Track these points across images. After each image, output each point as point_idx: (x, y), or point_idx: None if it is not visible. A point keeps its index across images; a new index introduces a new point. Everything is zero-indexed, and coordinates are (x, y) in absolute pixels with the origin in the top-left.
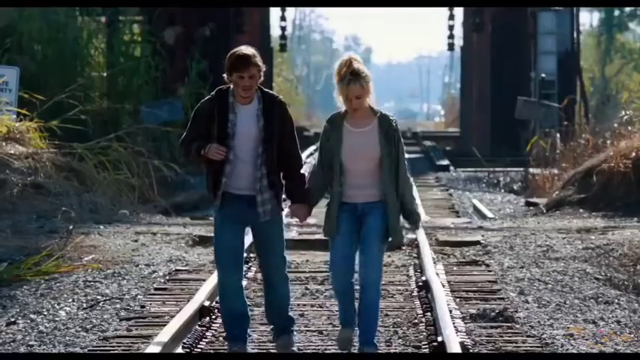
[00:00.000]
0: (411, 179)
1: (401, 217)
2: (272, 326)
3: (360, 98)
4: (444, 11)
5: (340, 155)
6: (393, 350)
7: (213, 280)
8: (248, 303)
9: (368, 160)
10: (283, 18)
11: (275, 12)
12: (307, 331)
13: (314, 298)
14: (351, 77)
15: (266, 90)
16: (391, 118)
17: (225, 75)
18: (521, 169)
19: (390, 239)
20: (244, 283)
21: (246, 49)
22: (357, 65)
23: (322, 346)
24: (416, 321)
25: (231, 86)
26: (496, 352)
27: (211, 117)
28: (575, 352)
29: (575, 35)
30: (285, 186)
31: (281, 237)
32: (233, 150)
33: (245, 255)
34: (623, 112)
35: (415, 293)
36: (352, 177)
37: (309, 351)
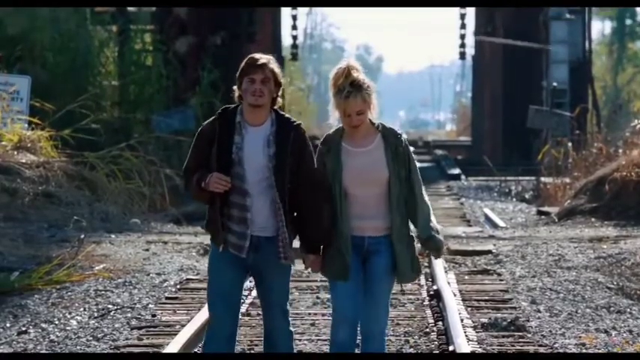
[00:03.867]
0: (429, 203)
1: (419, 246)
2: None
3: (362, 114)
4: (455, 20)
5: (342, 180)
6: None
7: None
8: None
9: (374, 185)
10: (295, 27)
11: (286, 21)
12: (318, 340)
13: (325, 307)
14: (351, 89)
15: (282, 112)
16: (398, 132)
17: (235, 90)
18: (533, 178)
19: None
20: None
21: (261, 54)
22: (356, 75)
23: None
24: (427, 330)
25: (241, 105)
26: (496, 353)
27: (213, 140)
28: (576, 352)
29: (587, 44)
30: (301, 231)
31: (285, 287)
32: (238, 179)
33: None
34: (635, 121)
35: (426, 302)
36: (357, 205)
37: None
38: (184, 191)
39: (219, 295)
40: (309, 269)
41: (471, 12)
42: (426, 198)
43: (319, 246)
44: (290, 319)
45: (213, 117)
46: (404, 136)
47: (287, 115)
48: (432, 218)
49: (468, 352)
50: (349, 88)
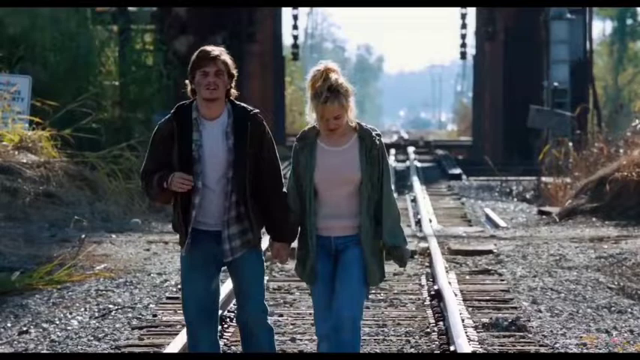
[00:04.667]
0: (398, 208)
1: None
2: None
3: (339, 118)
4: (456, 20)
5: (313, 179)
6: None
7: (225, 288)
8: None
9: (345, 185)
10: (295, 27)
11: (287, 21)
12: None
13: None
14: (329, 94)
15: (239, 103)
16: (374, 133)
17: (187, 84)
18: (534, 177)
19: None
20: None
21: (213, 47)
22: (335, 77)
23: None
24: (428, 330)
25: (195, 100)
26: (497, 353)
27: (171, 140)
28: (577, 352)
29: (587, 44)
30: (266, 220)
31: (259, 280)
32: (200, 177)
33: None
34: (636, 121)
35: (427, 302)
36: (326, 205)
37: None
38: (144, 195)
39: (195, 297)
40: (277, 259)
41: (471, 12)
42: (394, 199)
43: (284, 235)
44: (270, 319)
45: (168, 115)
46: (379, 137)
47: (243, 105)
48: (400, 226)
49: (469, 352)
50: (327, 93)
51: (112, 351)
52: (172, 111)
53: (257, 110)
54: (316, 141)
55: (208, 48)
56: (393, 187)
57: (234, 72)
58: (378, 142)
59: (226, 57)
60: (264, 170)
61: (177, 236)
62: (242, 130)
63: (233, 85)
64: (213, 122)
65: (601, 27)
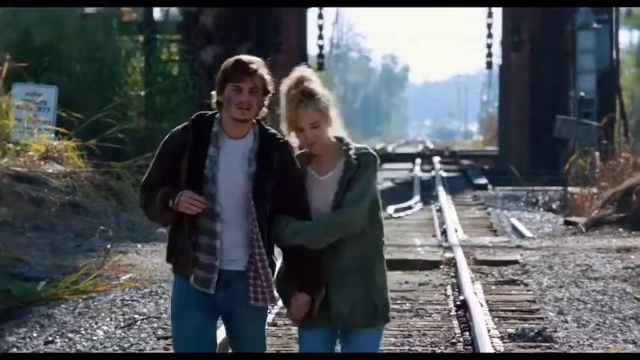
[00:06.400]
0: (347, 226)
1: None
2: None
3: (317, 127)
4: (482, 29)
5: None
6: None
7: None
8: None
9: None
10: (321, 37)
11: (313, 30)
12: None
13: None
14: (302, 98)
15: (267, 127)
16: (357, 153)
17: (213, 95)
18: (560, 187)
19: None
20: None
21: (250, 56)
22: (311, 85)
23: None
24: (454, 340)
25: (219, 113)
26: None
27: (183, 152)
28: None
29: (614, 53)
30: (289, 265)
31: (262, 334)
32: (215, 201)
33: None
34: None
35: (453, 312)
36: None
37: None
38: (142, 209)
39: (188, 343)
40: (296, 316)
41: (497, 21)
42: (348, 219)
43: (313, 285)
44: None
45: (184, 123)
46: (364, 157)
47: (272, 130)
48: (316, 231)
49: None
50: (300, 97)
51: None
52: (191, 119)
53: (287, 139)
54: (306, 168)
55: (245, 59)
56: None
57: (271, 89)
58: (354, 165)
59: (264, 71)
60: (286, 209)
61: None
62: (268, 159)
63: (266, 103)
64: (236, 141)
65: (628, 37)
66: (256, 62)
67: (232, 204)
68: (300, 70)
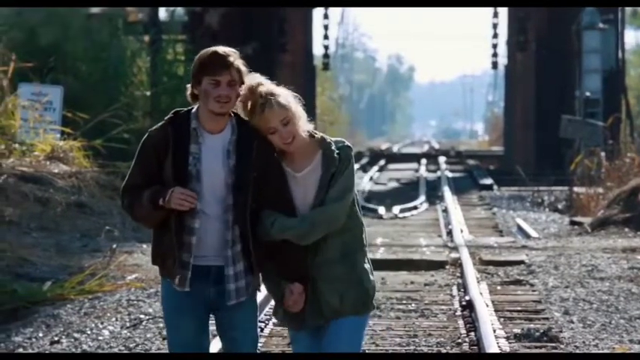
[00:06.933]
0: (332, 220)
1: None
2: None
3: (289, 124)
4: (487, 30)
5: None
6: None
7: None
8: None
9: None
10: (326, 37)
11: (318, 31)
12: None
13: None
14: (264, 100)
15: (244, 118)
16: (336, 146)
17: (187, 88)
18: (566, 188)
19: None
20: None
21: (225, 48)
22: (267, 87)
23: None
24: (459, 341)
25: (194, 108)
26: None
27: (165, 150)
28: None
29: (620, 53)
30: (275, 259)
31: (253, 328)
32: (199, 198)
33: None
34: None
35: (459, 313)
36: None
37: None
38: (125, 210)
39: (183, 346)
40: (293, 308)
41: (503, 21)
42: (336, 209)
43: (303, 274)
44: None
45: (161, 122)
46: (345, 150)
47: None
48: (302, 226)
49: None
50: (261, 100)
51: None
52: (168, 117)
53: None
54: (282, 166)
55: (221, 51)
56: (355, 208)
57: (247, 77)
58: (336, 160)
59: (239, 62)
60: (268, 200)
61: None
62: (247, 150)
63: (241, 89)
64: (215, 136)
65: (634, 37)
66: (232, 54)
67: (216, 199)
68: (249, 79)
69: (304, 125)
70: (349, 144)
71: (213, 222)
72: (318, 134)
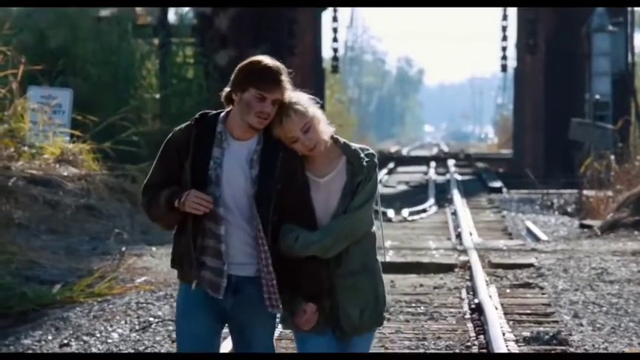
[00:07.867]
0: (352, 232)
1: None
2: None
3: (309, 131)
4: (497, 32)
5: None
6: None
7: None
8: None
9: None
10: (335, 39)
11: (327, 33)
12: None
13: None
14: (281, 111)
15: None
16: (363, 153)
17: (225, 91)
18: (575, 190)
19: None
20: None
21: (275, 61)
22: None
23: None
24: (469, 344)
25: (224, 111)
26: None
27: (186, 151)
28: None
29: (629, 56)
30: (293, 274)
31: (270, 343)
32: (220, 202)
33: None
34: None
35: (468, 316)
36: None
37: None
38: (143, 208)
39: (194, 347)
40: (305, 327)
41: (512, 24)
42: (355, 224)
43: (321, 292)
44: None
45: (187, 123)
46: (369, 159)
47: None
48: (323, 242)
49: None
50: (279, 111)
51: None
52: (194, 118)
53: None
54: (304, 172)
55: (274, 67)
56: (373, 222)
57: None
58: (365, 168)
59: (287, 80)
60: (294, 213)
61: None
62: (271, 160)
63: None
64: (240, 143)
65: None
66: (284, 72)
67: (237, 207)
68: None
69: (325, 128)
70: (373, 151)
71: (237, 230)
72: (341, 139)
